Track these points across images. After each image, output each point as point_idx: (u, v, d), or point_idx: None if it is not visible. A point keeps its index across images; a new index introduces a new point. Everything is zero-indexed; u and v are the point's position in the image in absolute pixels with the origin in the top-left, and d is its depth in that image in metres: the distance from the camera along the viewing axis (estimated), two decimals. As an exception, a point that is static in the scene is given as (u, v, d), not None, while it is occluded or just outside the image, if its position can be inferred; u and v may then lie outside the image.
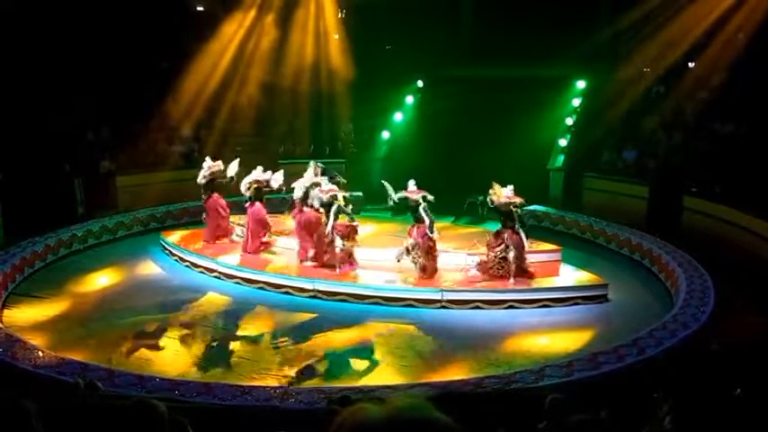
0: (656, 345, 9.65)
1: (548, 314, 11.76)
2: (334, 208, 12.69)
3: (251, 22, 20.15)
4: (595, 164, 17.76)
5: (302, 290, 12.54)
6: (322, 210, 13.03)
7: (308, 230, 13.36)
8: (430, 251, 12.50)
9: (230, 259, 13.81)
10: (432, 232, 12.36)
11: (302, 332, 11.16)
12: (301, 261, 13.40)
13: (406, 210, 13.09)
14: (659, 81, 18.43)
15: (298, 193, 13.58)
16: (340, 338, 11.01)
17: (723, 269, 12.36)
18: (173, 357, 10.30)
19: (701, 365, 8.72)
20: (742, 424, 4.98)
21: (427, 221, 12.32)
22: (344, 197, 13.00)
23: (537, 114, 18.51)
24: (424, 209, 12.37)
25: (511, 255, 12.24)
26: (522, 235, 12.35)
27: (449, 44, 20.46)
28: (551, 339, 10.99)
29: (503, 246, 12.33)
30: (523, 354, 10.35)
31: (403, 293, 12.16)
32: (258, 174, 14.27)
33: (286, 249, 14.16)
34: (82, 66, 18.12)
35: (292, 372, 9.83)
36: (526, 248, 12.49)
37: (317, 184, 13.29)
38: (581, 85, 19.65)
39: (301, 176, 13.86)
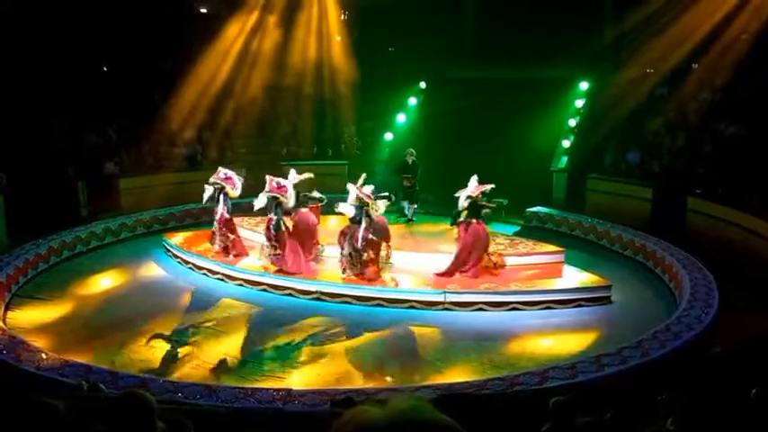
0: (660, 347, 9.62)
1: (551, 316, 11.73)
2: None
3: (254, 24, 20.19)
4: (599, 165, 17.73)
5: (305, 292, 12.53)
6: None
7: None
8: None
9: (232, 261, 13.81)
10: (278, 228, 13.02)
11: (305, 334, 11.14)
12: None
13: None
14: (663, 82, 18.40)
15: None
16: (343, 340, 10.99)
17: (727, 270, 12.33)
18: (176, 359, 10.29)
19: (704, 367, 8.71)
20: (745, 425, 4.96)
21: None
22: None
23: (540, 115, 18.49)
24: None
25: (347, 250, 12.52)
26: (360, 231, 12.38)
27: (452, 45, 20.49)
28: (555, 341, 10.97)
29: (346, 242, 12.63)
30: (527, 356, 10.32)
31: (406, 295, 12.14)
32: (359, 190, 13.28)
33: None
34: (85, 67, 18.19)
35: (295, 373, 9.83)
36: (358, 244, 12.43)
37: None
38: (584, 86, 19.64)
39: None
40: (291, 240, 13.11)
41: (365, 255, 12.46)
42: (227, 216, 13.82)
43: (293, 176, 13.51)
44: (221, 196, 13.76)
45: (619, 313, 11.80)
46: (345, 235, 12.67)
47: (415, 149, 16.45)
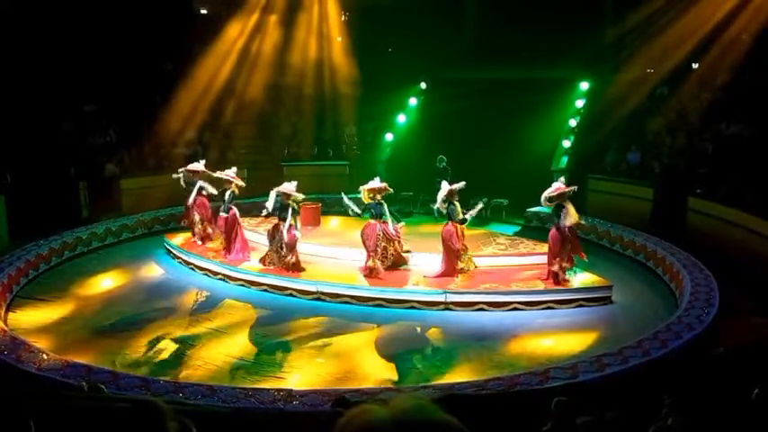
0: (661, 346, 9.62)
1: (552, 316, 11.73)
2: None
3: (254, 25, 20.20)
4: (599, 165, 17.71)
5: (306, 292, 12.54)
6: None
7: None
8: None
9: (234, 262, 13.81)
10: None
11: (306, 334, 11.15)
12: None
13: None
14: (663, 82, 18.39)
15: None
16: (343, 341, 11.00)
17: (728, 271, 12.31)
18: (177, 360, 10.30)
19: (706, 367, 8.70)
20: (746, 425, 4.96)
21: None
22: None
23: (541, 116, 18.46)
24: None
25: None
26: (284, 229, 12.89)
27: (452, 46, 20.47)
28: (556, 341, 10.97)
29: (276, 238, 13.14)
30: (528, 356, 10.32)
31: (407, 296, 12.15)
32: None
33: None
34: (86, 69, 18.17)
35: (296, 373, 9.83)
36: (284, 240, 12.95)
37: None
38: (584, 86, 19.62)
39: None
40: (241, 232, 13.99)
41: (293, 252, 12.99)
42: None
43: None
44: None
45: (619, 313, 11.80)
46: (277, 229, 13.12)
47: (416, 150, 16.55)
